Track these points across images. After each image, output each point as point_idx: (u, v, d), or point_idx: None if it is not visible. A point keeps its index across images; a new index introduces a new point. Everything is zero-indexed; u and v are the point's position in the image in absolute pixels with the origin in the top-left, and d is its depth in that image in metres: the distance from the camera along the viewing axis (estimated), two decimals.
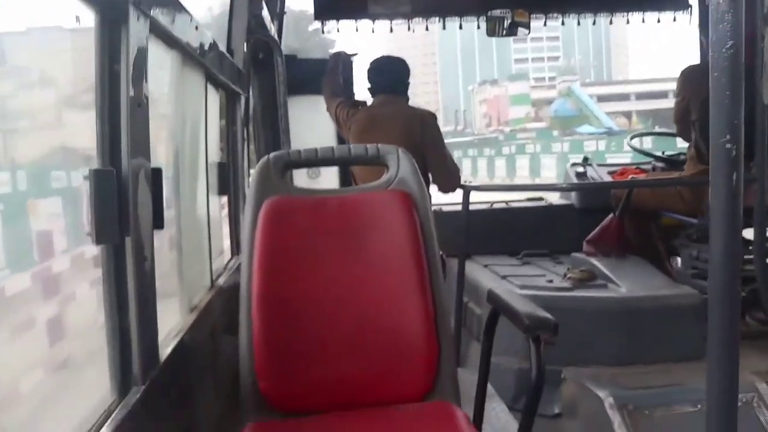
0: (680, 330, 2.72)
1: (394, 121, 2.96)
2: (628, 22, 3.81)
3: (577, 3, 3.76)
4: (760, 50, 2.60)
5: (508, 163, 24.18)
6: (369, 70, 3.12)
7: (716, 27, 1.00)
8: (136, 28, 1.21)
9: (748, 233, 3.11)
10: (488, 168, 25.28)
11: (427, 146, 2.94)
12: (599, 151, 21.23)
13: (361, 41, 3.83)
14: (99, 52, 1.17)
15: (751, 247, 2.98)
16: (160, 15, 1.34)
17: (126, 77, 1.18)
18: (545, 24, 3.81)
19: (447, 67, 72.28)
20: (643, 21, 3.81)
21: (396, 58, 3.19)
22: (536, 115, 51.13)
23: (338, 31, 3.74)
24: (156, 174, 1.32)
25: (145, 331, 1.26)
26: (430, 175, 3.00)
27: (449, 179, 3.01)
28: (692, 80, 3.24)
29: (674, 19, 3.79)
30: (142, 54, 1.24)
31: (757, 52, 2.61)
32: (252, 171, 2.74)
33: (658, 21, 3.86)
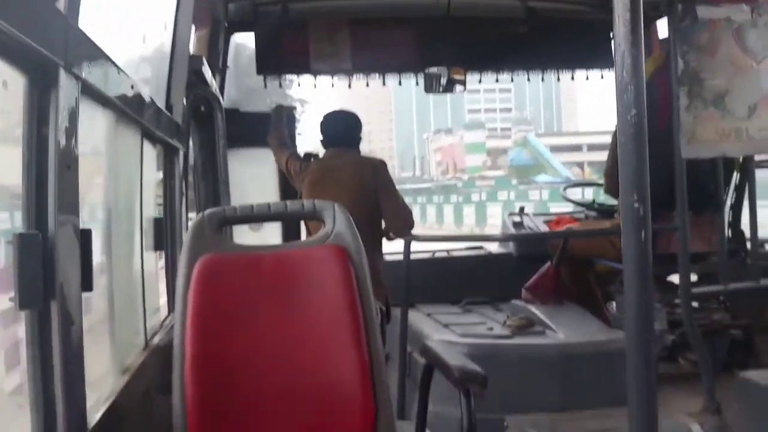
0: (617, 375, 2.77)
1: (347, 171, 3.01)
2: (558, 79, 4.01)
3: (510, 62, 3.94)
4: (677, 109, 2.78)
5: (478, 211, 24.27)
6: (322, 123, 3.19)
7: (621, 97, 1.08)
8: (67, 90, 1.21)
9: (675, 279, 3.25)
10: (455, 214, 25.64)
11: (381, 192, 3.00)
12: (542, 200, 21.91)
13: (318, 91, 3.92)
14: (27, 114, 1.16)
15: (678, 292, 3.12)
16: (92, 76, 1.34)
17: (55, 140, 1.17)
18: (480, 81, 3.97)
19: (402, 115, 73.68)
20: (572, 78, 4.02)
21: (348, 113, 3.28)
22: (493, 164, 51.76)
23: (299, 85, 3.82)
24: (86, 235, 1.30)
25: (71, 398, 1.22)
26: (383, 223, 3.04)
27: (404, 222, 3.06)
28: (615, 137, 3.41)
29: (602, 77, 4.01)
30: (72, 116, 1.23)
31: (674, 110, 2.79)
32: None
33: (587, 78, 4.07)
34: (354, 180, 2.97)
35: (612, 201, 3.91)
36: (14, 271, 1.10)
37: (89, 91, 1.37)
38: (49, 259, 1.16)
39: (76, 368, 1.26)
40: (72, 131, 1.23)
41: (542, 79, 4.01)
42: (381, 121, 75.06)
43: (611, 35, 3.94)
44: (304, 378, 1.60)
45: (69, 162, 1.22)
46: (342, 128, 3.15)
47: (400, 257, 3.11)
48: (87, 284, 1.31)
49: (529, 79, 4.01)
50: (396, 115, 74.33)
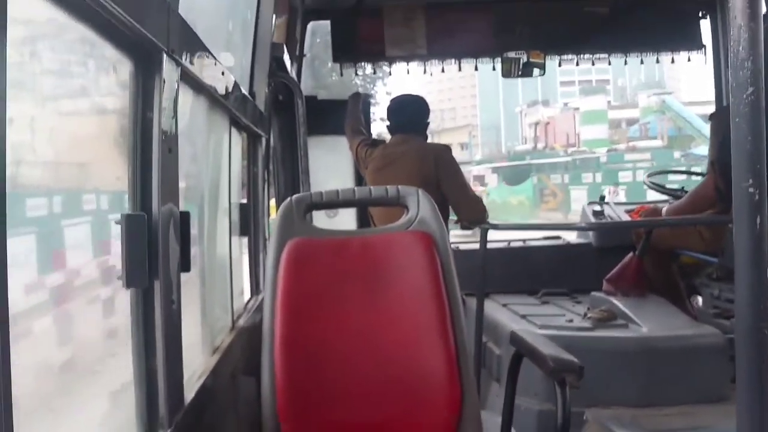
0: (703, 371, 2.67)
1: (409, 157, 2.98)
2: (642, 62, 3.85)
3: (591, 44, 3.81)
4: None
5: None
6: (388, 109, 3.16)
7: (736, 73, 1.02)
8: (169, 76, 1.24)
9: None
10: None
11: (443, 181, 2.95)
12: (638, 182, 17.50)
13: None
14: (133, 98, 1.20)
15: None
16: (190, 62, 1.38)
17: (158, 123, 1.21)
18: (560, 64, 3.86)
19: (487, 90, 65.39)
20: (657, 61, 3.85)
21: (415, 97, 3.23)
22: (621, 137, 39.35)
23: (390, 74, 3.83)
24: (184, 217, 1.34)
25: (171, 373, 1.27)
26: (450, 210, 3.00)
27: (472, 212, 2.99)
28: (720, 120, 3.23)
29: (689, 59, 3.83)
30: (173, 100, 1.27)
31: None
32: (272, 211, 2.77)
33: (672, 61, 3.90)
34: (414, 167, 2.93)
35: None
36: (122, 250, 1.14)
37: (187, 77, 1.40)
38: (153, 239, 1.19)
39: (175, 346, 1.30)
40: (173, 115, 1.27)
41: (625, 63, 3.86)
42: (464, 97, 69.22)
43: (699, 14, 3.76)
44: (389, 364, 1.60)
45: (170, 145, 1.26)
46: (408, 114, 3.10)
47: (474, 246, 3.07)
48: (185, 265, 1.34)
49: (609, 63, 3.87)
50: (480, 90, 67.05)
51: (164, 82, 1.20)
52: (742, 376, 1.05)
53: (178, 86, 1.29)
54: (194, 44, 1.43)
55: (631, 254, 3.26)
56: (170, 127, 1.25)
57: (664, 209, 3.55)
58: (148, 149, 1.20)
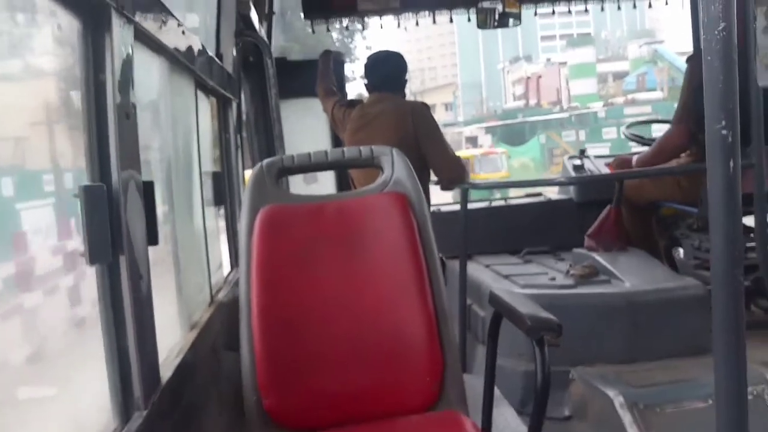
0: (686, 323, 2.68)
1: (386, 117, 2.89)
2: (619, 7, 3.77)
3: None
4: (752, 30, 2.55)
5: None
6: (365, 67, 3.04)
7: (708, 9, 0.96)
8: (121, 34, 1.15)
9: (749, 221, 3.07)
10: None
11: (422, 139, 2.86)
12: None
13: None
14: (83, 61, 1.11)
15: (752, 235, 2.95)
16: (145, 20, 1.28)
17: (112, 86, 1.12)
18: (536, 14, 3.76)
19: (466, 47, 62.38)
20: (635, 6, 3.77)
21: (393, 54, 3.11)
22: (616, 91, 35.29)
23: (363, 29, 3.69)
24: (148, 187, 1.26)
25: (144, 352, 1.21)
26: (432, 174, 2.93)
27: (453, 170, 2.91)
28: (695, 67, 3.18)
29: (666, 3, 3.76)
30: (127, 61, 1.18)
31: (749, 32, 2.56)
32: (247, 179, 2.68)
33: (650, 5, 3.82)
34: (394, 127, 2.84)
35: None
36: (83, 224, 1.06)
37: (143, 37, 1.31)
38: (114, 212, 1.12)
39: (147, 322, 1.24)
40: (128, 78, 1.18)
41: (602, 9, 3.78)
42: (443, 55, 66.67)
43: None
44: (369, 329, 1.57)
45: (127, 110, 1.17)
46: (384, 71, 2.99)
47: (454, 207, 3.02)
48: (153, 238, 1.27)
49: (587, 10, 3.78)
50: (459, 47, 64.37)
51: (114, 40, 1.11)
52: (718, 325, 1.02)
53: (132, 47, 1.19)
54: (149, 1, 1.33)
55: (608, 207, 3.23)
56: (126, 90, 1.16)
57: (633, 159, 3.51)
58: (103, 115, 1.12)
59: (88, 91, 1.11)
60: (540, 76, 39.18)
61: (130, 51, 1.18)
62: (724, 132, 1.00)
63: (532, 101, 37.12)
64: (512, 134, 25.18)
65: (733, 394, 1.02)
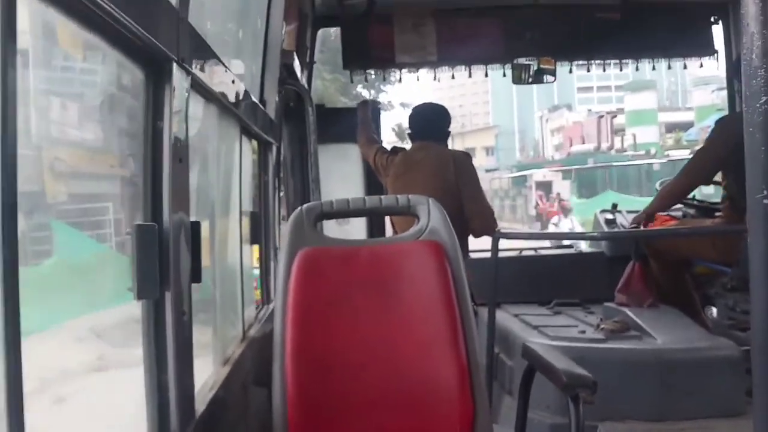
0: (719, 384, 2.63)
1: (428, 163, 2.98)
2: (653, 68, 3.83)
3: (602, 50, 3.79)
4: None
5: None
6: (410, 117, 3.17)
7: (749, 82, 0.99)
8: (179, 85, 1.23)
9: None
10: None
11: (462, 187, 2.94)
12: None
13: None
14: (144, 108, 1.19)
15: None
16: (200, 70, 1.36)
17: (168, 132, 1.19)
18: (570, 71, 3.83)
19: (500, 94, 60.88)
20: (669, 67, 3.82)
21: (437, 106, 3.24)
22: (666, 142, 31.93)
23: (400, 81, 3.82)
24: (195, 227, 1.32)
25: (182, 385, 1.25)
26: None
27: (485, 221, 2.99)
28: (726, 129, 3.19)
29: (701, 65, 3.80)
30: (183, 110, 1.25)
31: None
32: (282, 220, 2.76)
33: (685, 67, 3.87)
34: (436, 174, 2.93)
35: (716, 198, 3.69)
36: (133, 261, 1.12)
37: (197, 86, 1.39)
38: (164, 250, 1.17)
39: (186, 358, 1.28)
40: (183, 124, 1.25)
41: (636, 69, 3.84)
42: (476, 104, 66.41)
43: (712, 20, 3.72)
44: (401, 375, 1.58)
45: (181, 155, 1.24)
46: (429, 121, 3.11)
47: (485, 254, 3.04)
48: (196, 276, 1.33)
49: (621, 69, 3.84)
50: (492, 94, 63.24)
51: (174, 90, 1.19)
52: (759, 390, 1.02)
53: (188, 95, 1.27)
54: (204, 52, 1.42)
55: (632, 263, 3.23)
56: (181, 136, 1.24)
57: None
58: (159, 159, 1.19)
59: (146, 137, 1.19)
60: (582, 124, 36.92)
61: (187, 99, 1.26)
62: (766, 201, 1.03)
63: (575, 148, 34.41)
64: (584, 183, 22.04)
65: None
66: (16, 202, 0.74)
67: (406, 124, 3.30)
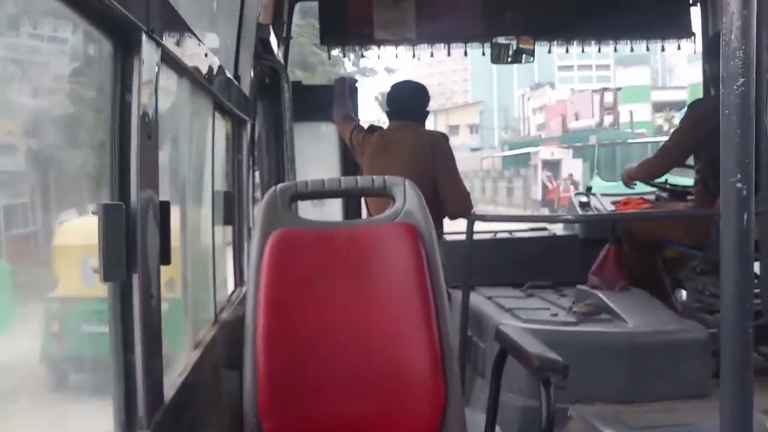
0: (687, 366, 2.67)
1: (406, 144, 2.95)
2: (632, 49, 3.83)
3: (581, 31, 3.78)
4: (765, 82, 2.59)
5: None
6: (388, 95, 3.13)
7: (727, 63, 0.98)
8: (149, 57, 1.17)
9: (755, 267, 3.07)
10: None
11: (439, 168, 2.92)
12: None
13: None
14: (112, 81, 1.13)
15: (756, 281, 2.95)
16: (171, 42, 1.31)
17: (137, 107, 1.14)
18: (549, 51, 3.82)
19: (479, 74, 58.64)
20: (647, 49, 3.83)
21: (416, 84, 3.20)
22: (656, 122, 30.28)
23: (378, 57, 3.75)
24: (164, 207, 1.27)
25: (150, 371, 1.21)
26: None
27: (461, 203, 2.98)
28: (701, 112, 3.22)
29: (678, 47, 3.81)
30: (153, 83, 1.20)
31: (762, 84, 2.60)
32: (257, 200, 2.71)
33: (662, 49, 3.88)
34: (413, 154, 2.90)
35: (687, 182, 3.73)
36: (99, 242, 1.08)
37: (168, 59, 1.34)
38: (131, 230, 1.13)
39: (154, 342, 1.24)
40: (153, 99, 1.20)
41: (615, 50, 3.85)
42: (455, 81, 63.94)
43: (689, 2, 3.73)
44: (373, 358, 1.57)
45: (150, 131, 1.19)
46: (408, 100, 3.07)
47: (459, 237, 3.04)
48: (165, 257, 1.28)
49: (599, 50, 3.84)
50: (472, 72, 60.81)
51: (143, 63, 1.13)
52: (726, 373, 1.03)
53: (158, 68, 1.22)
54: (176, 24, 1.36)
55: (608, 245, 3.26)
56: (150, 111, 1.18)
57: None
58: (126, 134, 1.14)
59: (113, 111, 1.13)
60: (566, 102, 35.50)
61: (157, 73, 1.21)
62: (738, 185, 1.02)
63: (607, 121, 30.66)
64: (604, 163, 19.17)
65: None
66: None
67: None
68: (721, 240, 1.04)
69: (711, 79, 3.56)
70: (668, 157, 3.33)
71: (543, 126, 38.36)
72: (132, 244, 1.14)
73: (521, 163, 25.46)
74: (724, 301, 1.04)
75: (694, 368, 2.66)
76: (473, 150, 37.87)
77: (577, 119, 32.00)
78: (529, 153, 24.46)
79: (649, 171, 3.45)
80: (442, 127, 46.55)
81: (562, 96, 37.49)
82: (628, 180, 3.56)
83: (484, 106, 50.05)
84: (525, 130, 43.41)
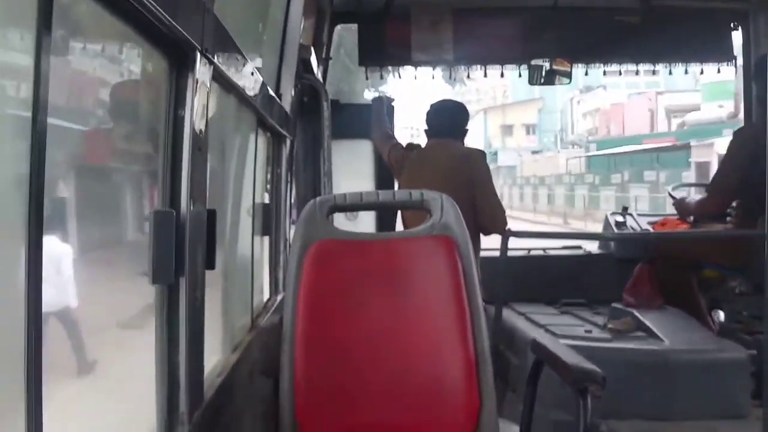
0: (723, 386, 2.64)
1: (443, 160, 3.00)
2: (670, 72, 3.82)
3: (619, 53, 3.78)
4: None
5: None
6: (428, 113, 3.18)
7: None
8: (202, 75, 1.25)
9: None
10: None
11: (475, 184, 2.96)
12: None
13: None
14: (166, 97, 1.21)
15: None
16: (221, 61, 1.39)
17: (190, 121, 1.22)
18: (586, 73, 3.83)
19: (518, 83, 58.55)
20: (686, 72, 3.81)
21: (456, 103, 3.25)
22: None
23: (399, 77, 3.80)
24: (211, 216, 1.35)
25: (192, 370, 1.27)
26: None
27: (495, 219, 3.00)
28: (746, 141, 3.18)
29: (718, 71, 3.79)
30: (204, 99, 1.28)
31: None
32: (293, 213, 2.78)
33: (701, 72, 3.85)
34: (450, 171, 2.94)
35: None
36: (150, 246, 1.15)
37: (218, 76, 1.42)
38: (180, 236, 1.20)
39: (197, 343, 1.31)
40: (204, 114, 1.28)
41: (653, 72, 3.84)
42: (494, 86, 62.43)
43: (731, 26, 3.71)
44: (409, 368, 1.60)
45: (200, 144, 1.27)
46: (446, 118, 3.11)
47: (493, 254, 3.06)
48: (210, 263, 1.35)
49: (637, 72, 3.84)
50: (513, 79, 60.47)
51: (197, 81, 1.21)
52: None
53: (210, 85, 1.30)
54: (227, 44, 1.44)
55: (640, 264, 3.24)
56: (201, 126, 1.26)
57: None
58: (179, 147, 1.22)
59: (167, 125, 1.22)
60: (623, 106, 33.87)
61: (208, 90, 1.29)
62: None
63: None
64: None
65: None
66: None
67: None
68: (767, 260, 1.06)
69: (758, 101, 3.50)
70: (724, 193, 3.25)
71: (596, 130, 36.24)
72: (180, 250, 1.21)
73: (647, 164, 21.02)
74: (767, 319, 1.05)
75: (731, 388, 2.63)
76: (534, 153, 35.95)
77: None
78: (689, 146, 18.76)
79: (707, 210, 3.37)
80: (493, 127, 44.29)
81: (619, 99, 35.25)
82: (684, 214, 3.49)
83: (543, 103, 45.55)
84: (571, 133, 41.22)
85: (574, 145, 35.76)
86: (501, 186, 31.47)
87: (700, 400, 2.60)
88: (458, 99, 3.22)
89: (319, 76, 3.16)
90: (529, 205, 27.08)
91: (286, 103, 2.48)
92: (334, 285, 1.64)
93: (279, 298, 2.43)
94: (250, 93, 1.77)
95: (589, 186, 21.57)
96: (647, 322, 2.91)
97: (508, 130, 44.44)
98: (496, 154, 41.75)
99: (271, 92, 2.15)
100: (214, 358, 1.64)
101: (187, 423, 1.24)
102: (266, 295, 2.46)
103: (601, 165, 23.94)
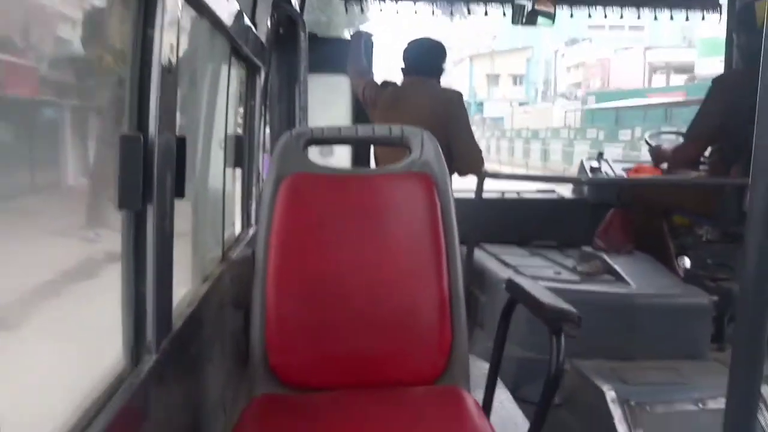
0: (686, 329, 2.72)
1: (420, 100, 2.95)
2: (655, 18, 3.77)
3: None
4: None
5: None
6: (405, 51, 3.11)
7: None
8: None
9: None
10: None
11: (452, 126, 2.93)
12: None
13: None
14: (135, 16, 1.15)
15: None
16: None
17: (159, 42, 1.17)
18: (572, 15, 3.76)
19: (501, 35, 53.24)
20: (671, 18, 3.77)
21: (432, 41, 3.18)
22: None
23: (380, 10, 3.69)
24: (181, 142, 1.31)
25: (160, 299, 1.26)
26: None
27: (472, 161, 2.99)
28: (727, 89, 3.16)
29: (702, 18, 3.75)
30: (174, 20, 1.22)
31: None
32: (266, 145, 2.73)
33: (687, 19, 3.81)
34: (425, 110, 2.90)
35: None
36: (117, 171, 1.12)
37: None
38: (148, 162, 1.17)
39: (166, 272, 1.29)
40: (174, 36, 1.23)
41: (638, 17, 3.78)
42: (478, 34, 61.15)
43: None
44: (383, 301, 1.61)
45: (170, 67, 1.22)
46: (423, 57, 3.06)
47: (467, 195, 3.06)
48: (180, 191, 1.32)
49: (622, 16, 3.78)
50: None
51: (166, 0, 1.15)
52: (741, 334, 1.06)
53: (181, 5, 1.24)
54: None
55: (613, 210, 3.28)
56: (171, 48, 1.21)
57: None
58: (147, 69, 1.17)
59: (134, 44, 1.16)
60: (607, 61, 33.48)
61: (179, 10, 1.23)
62: None
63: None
64: None
65: (746, 400, 1.06)
66: None
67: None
68: (750, 202, 1.07)
69: (739, 50, 3.47)
70: (701, 140, 3.26)
71: (580, 84, 35.20)
72: (148, 176, 1.17)
73: (628, 119, 20.38)
74: (746, 262, 1.06)
75: (692, 332, 2.71)
76: (521, 104, 34.65)
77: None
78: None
79: (684, 158, 3.38)
80: (479, 76, 42.29)
81: (606, 54, 34.66)
82: (659, 161, 3.52)
83: (532, 53, 43.81)
84: (552, 89, 40.22)
85: (564, 97, 34.86)
86: (488, 138, 30.49)
87: (663, 341, 2.68)
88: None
89: (296, 6, 3.05)
90: (519, 160, 25.24)
91: (262, 33, 2.39)
92: (308, 218, 1.62)
93: (251, 231, 2.41)
94: (224, 19, 1.70)
95: (591, 141, 20.18)
96: (616, 266, 2.97)
97: (494, 79, 43.11)
98: (482, 104, 40.79)
99: (247, 20, 2.07)
100: (184, 288, 1.63)
101: (154, 351, 1.24)
102: (238, 229, 2.44)
103: (604, 119, 22.59)
